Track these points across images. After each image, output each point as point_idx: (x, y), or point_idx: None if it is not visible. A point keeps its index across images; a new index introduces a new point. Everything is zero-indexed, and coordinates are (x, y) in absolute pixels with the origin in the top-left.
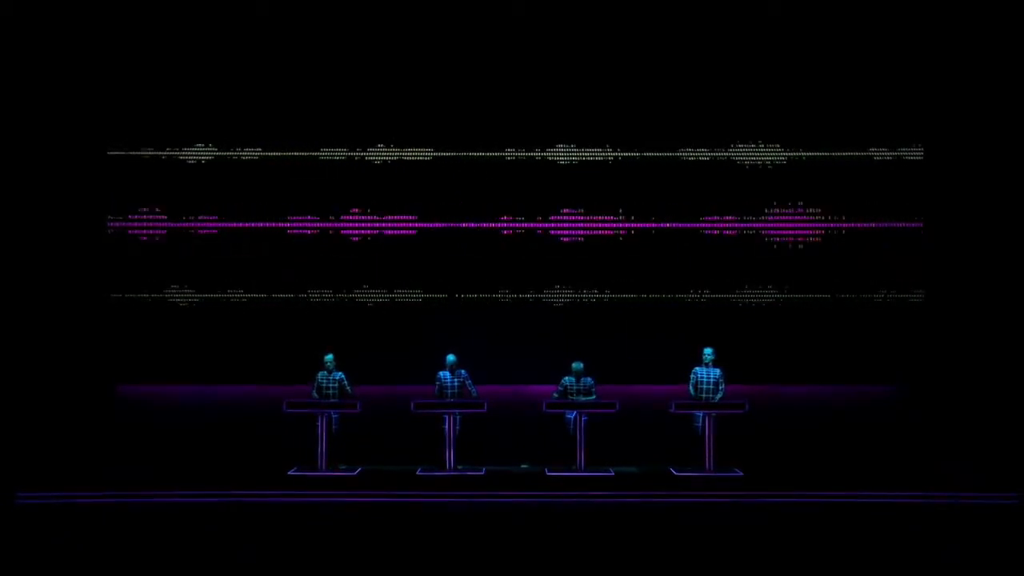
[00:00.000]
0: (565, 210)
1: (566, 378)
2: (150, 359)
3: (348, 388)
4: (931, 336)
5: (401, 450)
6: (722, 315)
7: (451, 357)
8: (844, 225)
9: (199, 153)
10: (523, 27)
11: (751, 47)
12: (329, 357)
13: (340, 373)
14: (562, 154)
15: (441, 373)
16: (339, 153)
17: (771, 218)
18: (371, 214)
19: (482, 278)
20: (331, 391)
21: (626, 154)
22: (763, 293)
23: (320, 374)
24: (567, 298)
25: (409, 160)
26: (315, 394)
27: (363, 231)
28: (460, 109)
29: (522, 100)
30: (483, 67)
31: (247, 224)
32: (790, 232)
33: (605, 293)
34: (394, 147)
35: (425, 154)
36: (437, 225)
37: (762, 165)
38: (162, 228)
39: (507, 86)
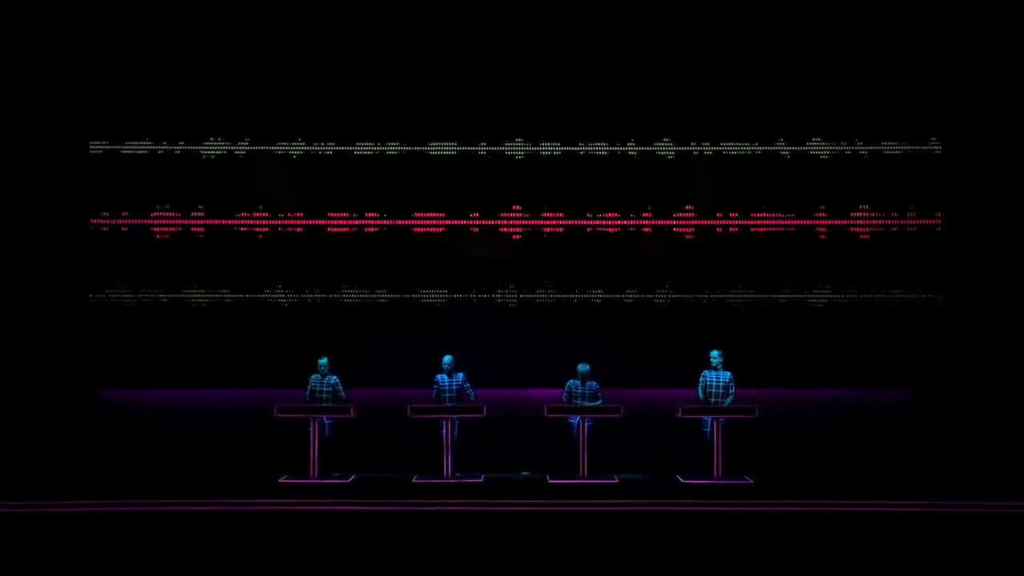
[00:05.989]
0: (555, 208)
1: (571, 381)
2: (134, 362)
3: (342, 393)
4: (950, 338)
5: (397, 456)
6: (729, 316)
7: (448, 358)
8: (857, 223)
9: (186, 148)
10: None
11: (756, 42)
12: (323, 361)
13: (335, 377)
14: (556, 149)
15: (438, 376)
16: (328, 148)
17: (778, 216)
18: (363, 211)
19: (482, 277)
20: (325, 395)
21: (624, 149)
22: (774, 294)
23: (313, 378)
24: (570, 297)
25: (399, 156)
26: (308, 399)
27: (356, 229)
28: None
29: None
30: (489, 61)
31: (238, 222)
32: (799, 231)
33: (607, 293)
34: (378, 143)
35: (417, 149)
36: (432, 223)
37: (766, 161)
38: (147, 226)
39: (514, 83)
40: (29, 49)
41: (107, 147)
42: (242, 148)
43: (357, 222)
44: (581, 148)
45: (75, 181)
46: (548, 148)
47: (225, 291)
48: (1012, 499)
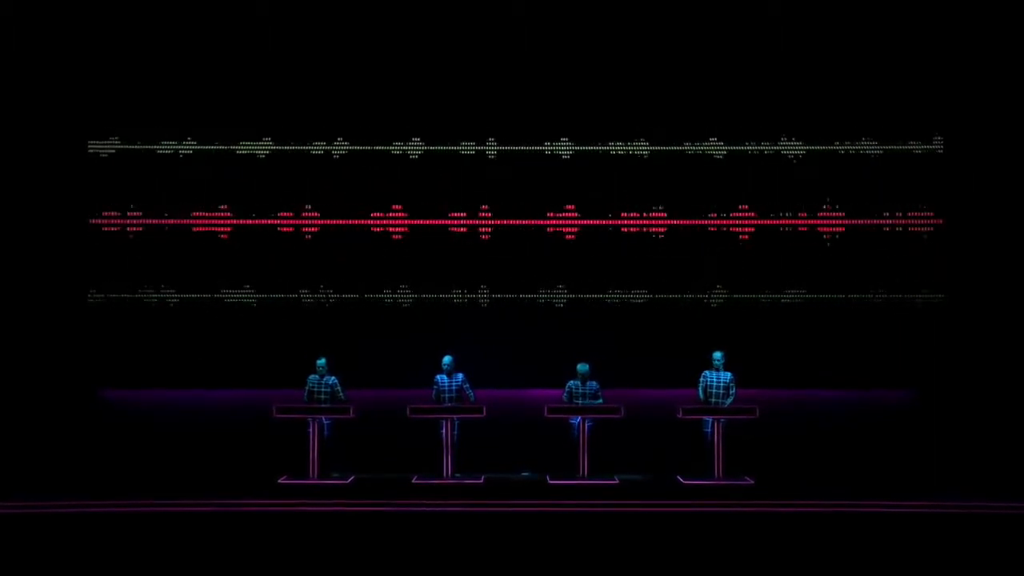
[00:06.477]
0: (567, 206)
1: (571, 381)
2: (133, 362)
3: (341, 393)
4: (952, 338)
5: (397, 457)
6: (732, 316)
7: (448, 359)
8: (859, 222)
9: (184, 147)
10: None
11: (761, 42)
12: (321, 361)
13: (333, 378)
14: (563, 148)
15: (438, 376)
16: (323, 147)
17: (783, 215)
18: (360, 211)
19: (481, 277)
20: (323, 396)
21: (628, 148)
22: (776, 294)
23: (311, 378)
24: (568, 297)
25: (396, 154)
26: (307, 399)
27: (355, 229)
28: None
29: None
30: (483, 60)
31: (234, 221)
32: (803, 230)
33: (609, 293)
34: (383, 142)
35: (413, 149)
36: (429, 222)
37: (775, 160)
38: (144, 226)
39: (519, 81)
40: (28, 48)
41: (107, 147)
42: (263, 148)
43: (373, 221)
44: (593, 148)
45: (75, 180)
46: (555, 148)
47: (202, 293)
48: (1012, 499)
